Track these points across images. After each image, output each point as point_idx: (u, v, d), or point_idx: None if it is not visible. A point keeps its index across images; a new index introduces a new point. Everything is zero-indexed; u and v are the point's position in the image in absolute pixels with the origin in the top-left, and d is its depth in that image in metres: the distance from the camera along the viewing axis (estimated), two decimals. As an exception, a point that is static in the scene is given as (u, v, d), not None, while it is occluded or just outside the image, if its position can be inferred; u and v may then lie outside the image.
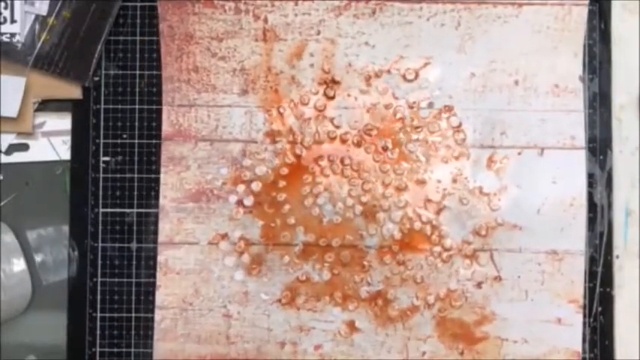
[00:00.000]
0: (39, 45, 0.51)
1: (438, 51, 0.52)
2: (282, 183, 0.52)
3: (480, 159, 0.52)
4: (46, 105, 0.53)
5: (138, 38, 0.53)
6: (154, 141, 0.52)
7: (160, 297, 0.52)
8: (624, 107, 0.52)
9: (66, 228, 0.53)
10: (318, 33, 0.53)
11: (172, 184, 0.52)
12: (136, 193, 0.52)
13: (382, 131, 0.52)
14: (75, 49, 0.52)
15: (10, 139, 0.53)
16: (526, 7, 0.52)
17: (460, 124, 0.52)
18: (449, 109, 0.52)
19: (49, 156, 0.53)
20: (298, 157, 0.52)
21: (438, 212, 0.52)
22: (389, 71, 0.52)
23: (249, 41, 0.53)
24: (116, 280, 0.52)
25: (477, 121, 0.52)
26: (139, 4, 0.53)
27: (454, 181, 0.52)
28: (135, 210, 0.52)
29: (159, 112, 0.52)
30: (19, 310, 0.52)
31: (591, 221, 0.52)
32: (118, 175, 0.52)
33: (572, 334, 0.51)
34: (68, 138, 0.53)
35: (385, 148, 0.52)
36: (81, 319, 0.52)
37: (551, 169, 0.52)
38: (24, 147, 0.53)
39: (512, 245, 0.52)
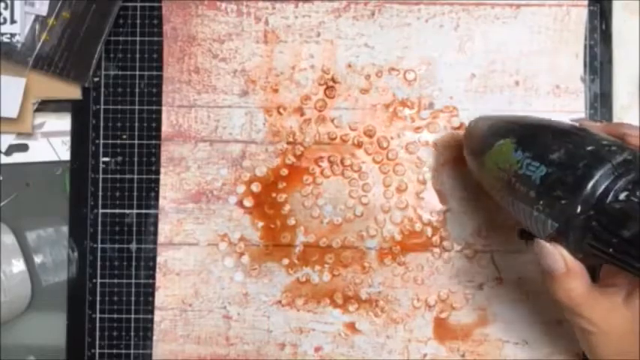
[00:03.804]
0: (39, 45, 0.52)
1: (437, 52, 0.52)
2: (282, 184, 0.52)
3: (480, 159, 0.52)
4: (46, 105, 0.53)
5: (138, 38, 0.53)
6: (153, 142, 0.52)
7: (159, 298, 0.52)
8: (625, 108, 0.52)
9: (65, 229, 0.53)
10: (318, 35, 0.53)
11: (172, 185, 0.52)
12: (135, 193, 0.52)
13: (383, 132, 0.52)
14: (75, 49, 0.52)
15: (9, 139, 0.53)
16: (524, 9, 0.52)
17: (461, 125, 0.52)
18: (449, 109, 0.52)
19: (49, 156, 0.53)
20: (298, 157, 0.52)
21: (439, 213, 0.52)
22: (389, 72, 0.52)
23: (250, 43, 0.53)
24: (116, 281, 0.52)
25: (477, 121, 0.52)
26: (139, 4, 0.53)
27: (455, 181, 0.52)
28: (134, 211, 0.52)
29: (159, 112, 0.52)
30: (18, 311, 0.52)
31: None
32: (118, 176, 0.52)
33: (574, 336, 0.51)
34: (68, 138, 0.53)
35: (386, 149, 0.52)
36: (80, 320, 0.52)
37: (552, 169, 0.52)
38: (24, 147, 0.53)
39: (513, 246, 0.51)
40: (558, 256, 0.37)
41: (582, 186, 0.35)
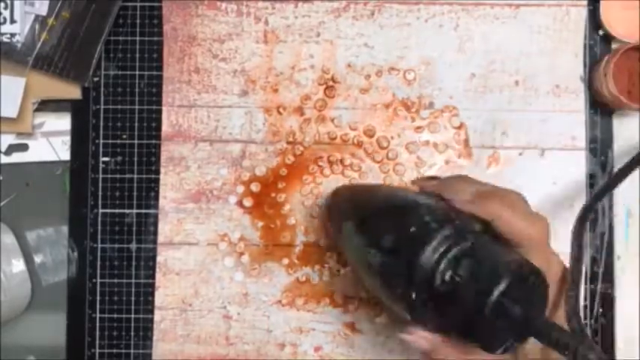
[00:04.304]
0: (39, 45, 0.52)
1: (437, 52, 0.52)
2: (282, 184, 0.52)
3: (480, 159, 0.52)
4: (46, 105, 0.53)
5: (138, 38, 0.53)
6: (153, 141, 0.52)
7: (159, 297, 0.52)
8: (625, 107, 0.52)
9: (65, 228, 0.53)
10: (318, 35, 0.53)
11: (172, 185, 0.52)
12: (135, 193, 0.52)
13: (382, 132, 0.52)
14: (75, 49, 0.52)
15: (9, 139, 0.53)
16: (523, 9, 0.52)
17: (461, 125, 0.52)
18: (449, 109, 0.52)
19: (49, 156, 0.53)
20: (298, 157, 0.52)
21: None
22: (389, 72, 0.52)
23: (250, 43, 0.53)
24: (115, 280, 0.52)
25: (477, 121, 0.52)
26: (138, 4, 0.53)
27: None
28: (134, 210, 0.52)
29: (159, 112, 0.52)
30: (18, 310, 0.52)
31: (592, 222, 0.52)
32: (118, 176, 0.52)
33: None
34: (68, 138, 0.53)
35: (385, 149, 0.52)
36: (80, 319, 0.52)
37: (552, 169, 0.52)
38: (23, 147, 0.53)
39: (513, 246, 0.51)
40: (420, 338, 0.37)
41: (410, 273, 0.35)
